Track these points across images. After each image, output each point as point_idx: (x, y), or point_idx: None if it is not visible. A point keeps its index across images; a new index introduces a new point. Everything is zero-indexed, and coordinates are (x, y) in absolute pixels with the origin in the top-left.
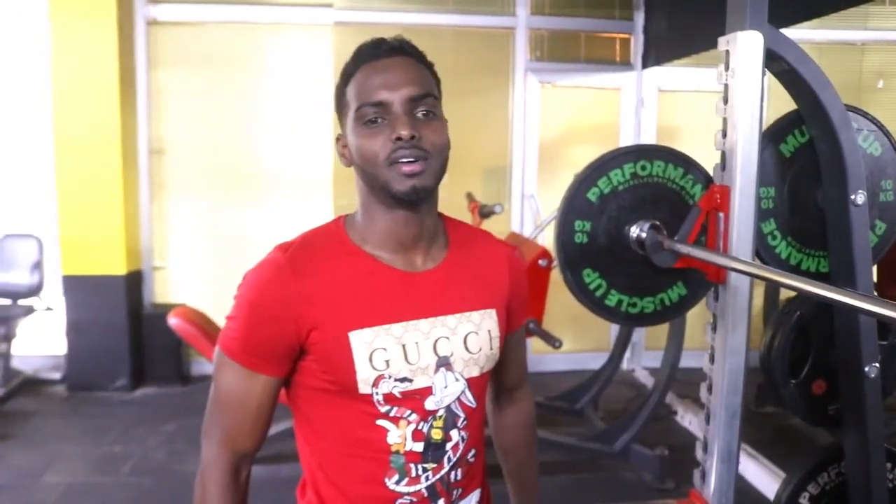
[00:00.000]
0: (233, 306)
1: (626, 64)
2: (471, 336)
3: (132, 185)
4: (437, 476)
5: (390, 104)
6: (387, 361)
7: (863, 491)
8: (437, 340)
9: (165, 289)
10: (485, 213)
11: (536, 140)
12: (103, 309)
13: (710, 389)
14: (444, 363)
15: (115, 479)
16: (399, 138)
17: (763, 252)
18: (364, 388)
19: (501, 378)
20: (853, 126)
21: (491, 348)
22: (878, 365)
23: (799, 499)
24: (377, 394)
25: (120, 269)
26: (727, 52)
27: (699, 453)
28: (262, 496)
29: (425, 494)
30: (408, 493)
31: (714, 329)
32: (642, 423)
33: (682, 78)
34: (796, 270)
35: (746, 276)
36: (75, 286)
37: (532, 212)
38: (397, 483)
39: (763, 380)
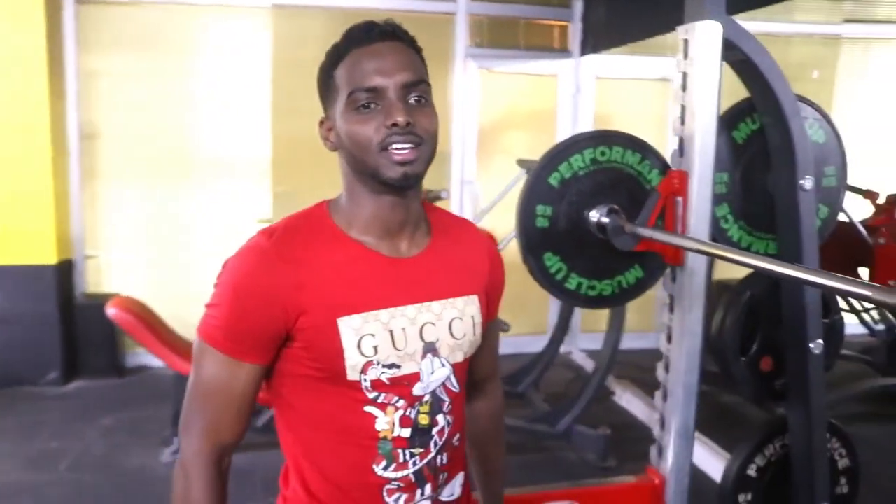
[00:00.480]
0: (214, 294)
1: (564, 51)
2: (455, 322)
3: (62, 171)
4: (425, 461)
5: (385, 90)
6: (375, 348)
7: (806, 460)
8: (423, 326)
9: (99, 278)
10: (430, 198)
11: (476, 126)
12: (33, 300)
13: (667, 368)
14: (430, 349)
15: (52, 477)
16: (394, 125)
17: (717, 235)
18: (352, 374)
19: (473, 368)
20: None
21: (474, 334)
22: (821, 341)
23: (747, 470)
24: (365, 380)
25: (50, 258)
26: (685, 41)
27: (655, 430)
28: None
29: (413, 479)
30: (395, 479)
31: (671, 310)
32: (585, 405)
33: (619, 66)
34: None
35: (707, 256)
36: (2, 276)
37: (471, 197)
38: (385, 469)
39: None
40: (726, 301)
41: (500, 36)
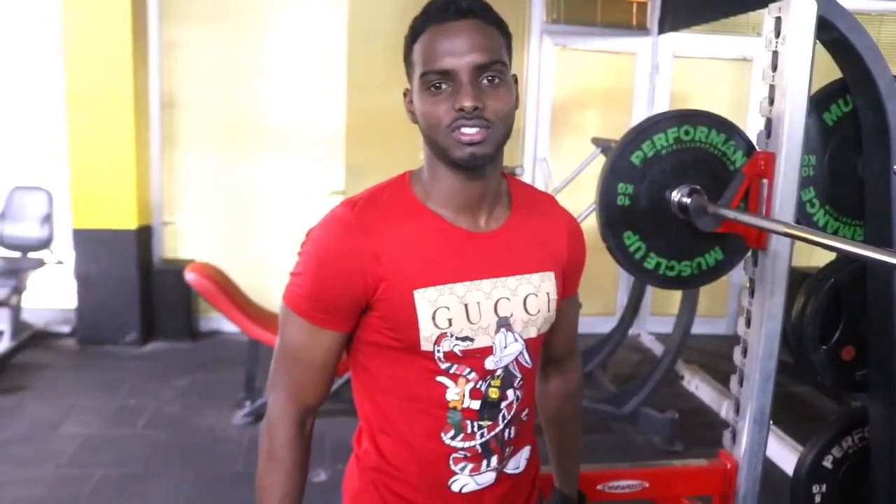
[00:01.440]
0: (298, 262)
1: (642, 28)
2: (530, 297)
3: (143, 139)
4: (493, 433)
5: (456, 72)
6: (449, 320)
7: (887, 454)
8: (497, 301)
9: (175, 244)
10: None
11: (550, 103)
12: (114, 264)
13: (744, 353)
14: (504, 324)
15: (132, 432)
16: (462, 109)
17: (802, 219)
18: (426, 345)
19: (550, 346)
20: None
21: (549, 310)
22: None
23: (823, 461)
24: (438, 351)
25: (131, 223)
26: (778, 18)
27: (730, 415)
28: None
29: (479, 450)
30: (462, 449)
31: (752, 294)
32: (652, 387)
33: (697, 44)
34: None
35: (795, 239)
36: (86, 240)
37: (544, 175)
38: (453, 438)
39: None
40: (807, 288)
41: (577, 12)
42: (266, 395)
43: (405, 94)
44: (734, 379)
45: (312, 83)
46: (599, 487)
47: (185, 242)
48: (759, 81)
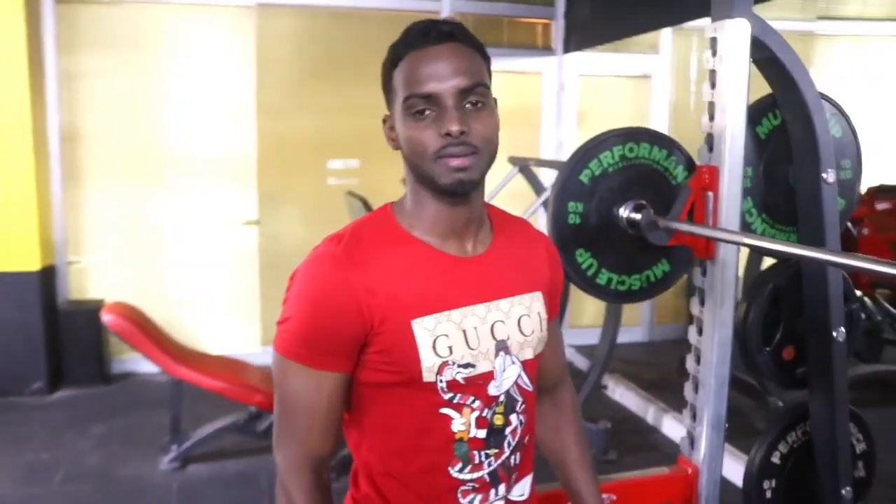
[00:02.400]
0: (286, 307)
1: (547, 49)
2: (524, 318)
3: (44, 175)
4: (500, 461)
5: (439, 96)
6: (450, 348)
7: (829, 446)
8: (493, 324)
9: (81, 284)
10: None
11: None
12: (15, 308)
13: (698, 360)
14: (502, 347)
15: (48, 489)
16: (448, 134)
17: (742, 228)
18: (428, 376)
19: (541, 375)
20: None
21: (541, 330)
22: (844, 329)
23: (771, 458)
24: (441, 381)
25: (33, 264)
26: (714, 38)
27: (687, 421)
28: (211, 494)
29: (487, 480)
30: (470, 480)
31: (702, 303)
32: (584, 398)
33: (600, 63)
34: None
35: (745, 247)
36: None
37: None
38: (460, 471)
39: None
40: (749, 293)
41: (485, 34)
42: (274, 455)
43: (384, 121)
44: (688, 386)
45: (221, 110)
46: None
47: (93, 282)
48: (658, 97)
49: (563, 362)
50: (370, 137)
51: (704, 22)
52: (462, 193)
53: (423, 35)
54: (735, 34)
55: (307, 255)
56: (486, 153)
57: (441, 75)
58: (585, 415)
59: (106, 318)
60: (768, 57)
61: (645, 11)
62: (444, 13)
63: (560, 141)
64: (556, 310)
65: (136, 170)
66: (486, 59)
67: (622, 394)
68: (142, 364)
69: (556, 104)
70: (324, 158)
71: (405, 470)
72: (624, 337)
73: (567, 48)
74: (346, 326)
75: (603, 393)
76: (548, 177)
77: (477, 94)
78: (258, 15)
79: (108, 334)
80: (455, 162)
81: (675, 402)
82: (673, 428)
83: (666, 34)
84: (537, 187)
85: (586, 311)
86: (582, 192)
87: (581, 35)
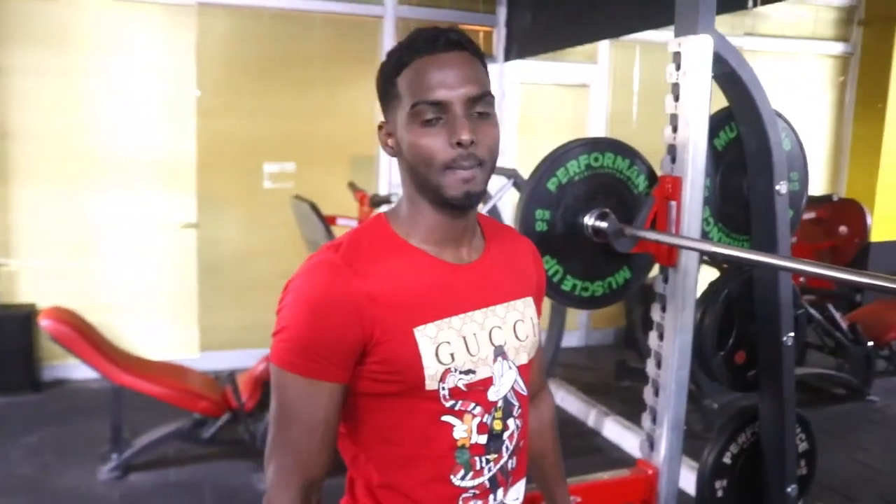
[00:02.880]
0: (282, 317)
1: (488, 56)
2: (518, 324)
3: None
4: (498, 466)
5: (449, 104)
6: (451, 355)
7: (776, 446)
8: (491, 330)
9: (12, 288)
10: (376, 202)
11: None
12: None
13: (658, 365)
14: (500, 352)
15: None
16: (459, 143)
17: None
18: (431, 384)
19: None
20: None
21: (535, 335)
22: (793, 334)
23: (723, 458)
24: (443, 388)
25: None
26: (678, 53)
27: (646, 424)
28: (154, 503)
29: (487, 486)
30: (472, 487)
31: (663, 309)
32: None
33: (541, 71)
34: None
35: (707, 254)
36: None
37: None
38: (462, 478)
39: (620, 357)
40: (704, 299)
41: None
42: (265, 469)
43: (380, 128)
44: (648, 390)
45: (159, 110)
46: None
47: (23, 286)
48: (596, 106)
49: (543, 372)
50: (307, 141)
51: (644, 35)
52: (469, 206)
53: (432, 42)
54: (698, 49)
55: (302, 265)
56: (489, 165)
57: (451, 83)
58: None
59: (44, 323)
60: (727, 72)
61: (585, 23)
62: (388, 18)
63: (502, 148)
64: (539, 313)
65: (70, 170)
66: (487, 70)
67: (563, 398)
68: (74, 371)
69: (497, 112)
70: (261, 161)
71: (407, 481)
72: (563, 341)
73: (508, 56)
74: (345, 335)
75: None
76: (491, 183)
77: (485, 104)
78: (199, 14)
79: (39, 340)
80: (464, 174)
81: (614, 405)
82: (614, 431)
83: (604, 45)
84: None
85: None
86: (549, 200)
87: (522, 44)
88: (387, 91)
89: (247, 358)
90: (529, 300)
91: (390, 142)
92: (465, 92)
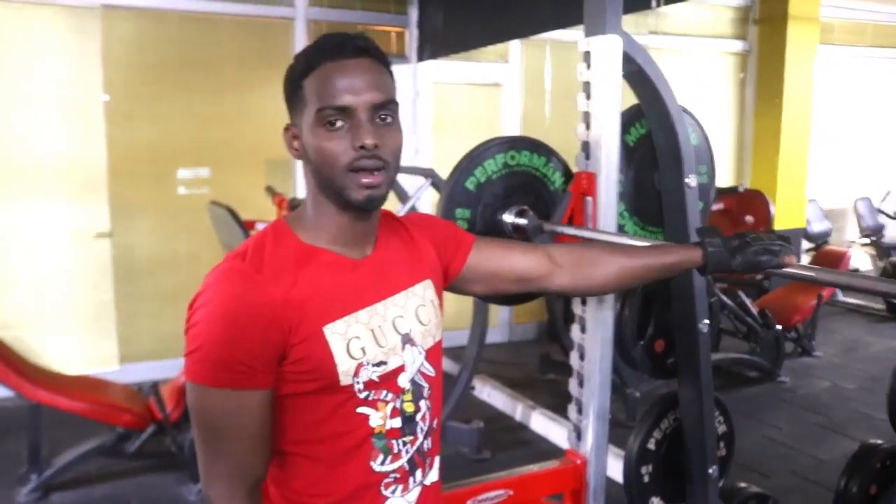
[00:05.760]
0: (196, 333)
1: (401, 56)
2: (420, 309)
3: None
4: (415, 447)
5: (354, 109)
6: (362, 349)
7: (697, 429)
8: (394, 319)
9: None
10: (295, 205)
11: None
12: None
13: (581, 357)
14: (407, 340)
15: None
16: (363, 147)
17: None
18: (345, 379)
19: (523, 274)
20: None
21: (436, 316)
22: (708, 321)
23: (648, 444)
24: (358, 382)
25: None
26: (588, 52)
27: (573, 415)
28: None
29: (406, 468)
30: (392, 471)
31: (584, 303)
32: (456, 400)
33: (454, 71)
34: None
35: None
36: None
37: None
38: (382, 463)
39: (543, 351)
40: (623, 292)
41: None
42: (204, 493)
43: (286, 129)
44: (573, 382)
45: (66, 116)
46: (470, 503)
47: None
48: (509, 105)
49: (538, 249)
50: (221, 145)
51: (554, 34)
52: (372, 209)
53: (339, 47)
54: (607, 49)
55: (207, 277)
56: (393, 168)
57: (357, 89)
58: (457, 416)
59: None
60: (635, 70)
61: (495, 23)
62: (298, 20)
63: (416, 147)
64: (469, 243)
65: None
66: (393, 77)
67: (489, 393)
68: None
69: (412, 111)
70: (175, 167)
71: (328, 476)
72: (463, 339)
73: (421, 56)
74: (267, 341)
75: (470, 393)
76: (409, 183)
77: (389, 110)
78: (103, 17)
79: None
80: (366, 179)
81: (539, 399)
82: (541, 424)
83: (515, 45)
84: (401, 194)
85: (447, 314)
86: (469, 199)
87: (435, 44)
88: (293, 94)
89: (169, 368)
90: (428, 283)
91: (296, 144)
92: (370, 98)
